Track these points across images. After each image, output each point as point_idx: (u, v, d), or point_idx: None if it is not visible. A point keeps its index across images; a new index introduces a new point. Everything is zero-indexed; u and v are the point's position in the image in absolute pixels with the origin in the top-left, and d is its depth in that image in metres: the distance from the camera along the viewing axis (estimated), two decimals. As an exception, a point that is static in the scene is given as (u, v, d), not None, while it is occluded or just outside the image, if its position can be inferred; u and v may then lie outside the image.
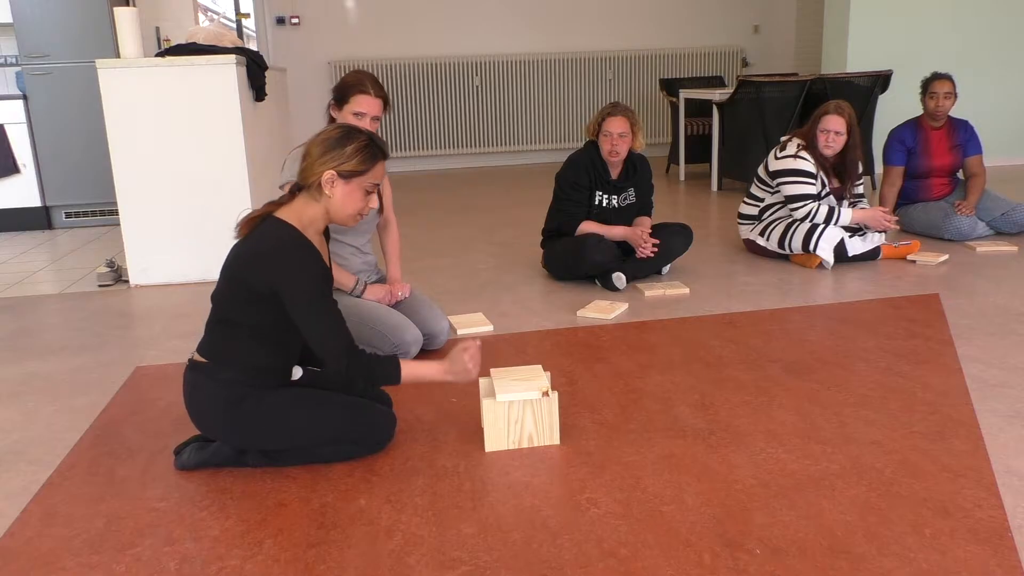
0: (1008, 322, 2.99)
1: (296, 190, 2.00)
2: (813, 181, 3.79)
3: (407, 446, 2.15)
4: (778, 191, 3.89)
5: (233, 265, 1.95)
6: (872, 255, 3.88)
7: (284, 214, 1.96)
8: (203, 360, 2.00)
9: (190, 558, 1.69)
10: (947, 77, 4.25)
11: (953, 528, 1.70)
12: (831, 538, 1.68)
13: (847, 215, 3.81)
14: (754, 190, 4.06)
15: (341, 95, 2.67)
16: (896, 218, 3.97)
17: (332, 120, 2.71)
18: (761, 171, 3.99)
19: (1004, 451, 2.03)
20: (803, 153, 3.81)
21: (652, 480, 1.94)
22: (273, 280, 1.88)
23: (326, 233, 2.12)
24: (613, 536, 1.72)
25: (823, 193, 3.84)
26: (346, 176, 1.94)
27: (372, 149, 1.97)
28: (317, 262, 1.94)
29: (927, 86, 4.29)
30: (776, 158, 3.88)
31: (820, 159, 3.82)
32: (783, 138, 3.98)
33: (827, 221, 3.78)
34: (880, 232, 3.90)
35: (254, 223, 1.97)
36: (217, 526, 1.81)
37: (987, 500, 1.80)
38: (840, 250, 3.81)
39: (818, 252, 3.76)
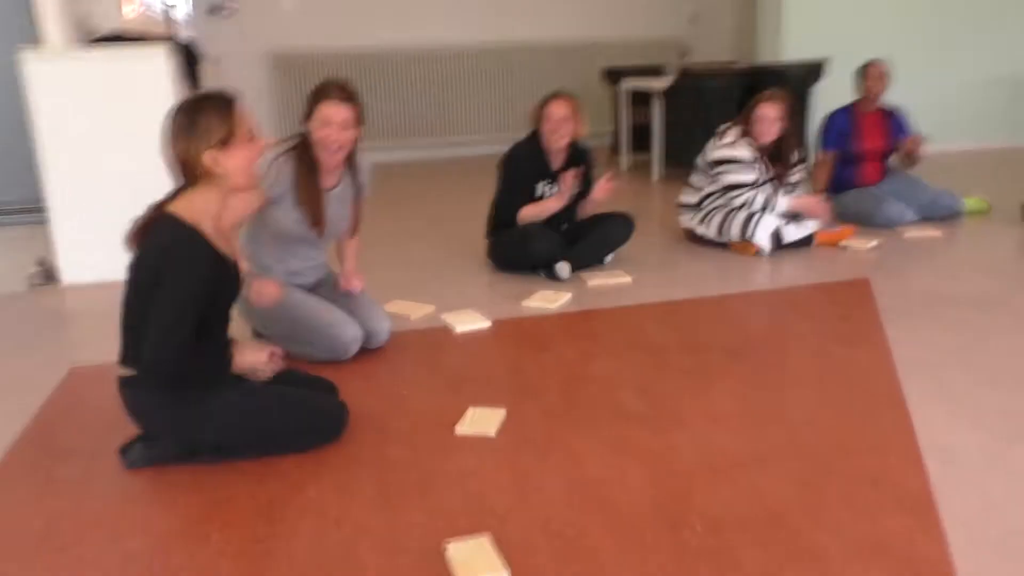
0: (933, 304, 3.12)
1: (180, 188, 1.92)
2: (751, 169, 3.89)
3: (355, 437, 2.15)
4: (717, 180, 3.98)
5: (137, 269, 1.90)
6: (806, 241, 4.00)
7: (176, 209, 1.89)
8: (133, 373, 1.95)
9: (135, 555, 1.67)
10: (880, 60, 4.46)
11: (882, 500, 1.79)
12: (768, 513, 1.75)
13: (783, 203, 3.92)
14: (693, 179, 4.14)
15: (308, 108, 2.58)
16: (828, 207, 4.09)
17: (305, 138, 2.62)
18: (700, 160, 4.08)
19: (929, 426, 2.13)
20: (741, 141, 3.91)
21: (596, 464, 1.99)
22: (163, 271, 1.83)
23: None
24: (559, 518, 1.76)
25: (760, 181, 3.94)
26: (224, 144, 1.86)
27: (222, 103, 1.88)
28: (210, 260, 1.87)
29: (863, 70, 4.47)
30: (715, 147, 3.96)
31: (757, 147, 3.92)
32: (721, 127, 4.07)
33: (764, 208, 3.89)
34: (815, 219, 4.02)
35: (148, 226, 1.89)
36: (162, 522, 1.79)
37: (913, 473, 1.90)
38: (776, 237, 3.92)
39: (755, 240, 3.87)
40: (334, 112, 2.54)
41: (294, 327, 2.64)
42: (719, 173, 3.93)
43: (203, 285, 1.88)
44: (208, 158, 1.85)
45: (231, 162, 1.88)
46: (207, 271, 1.88)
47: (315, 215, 2.65)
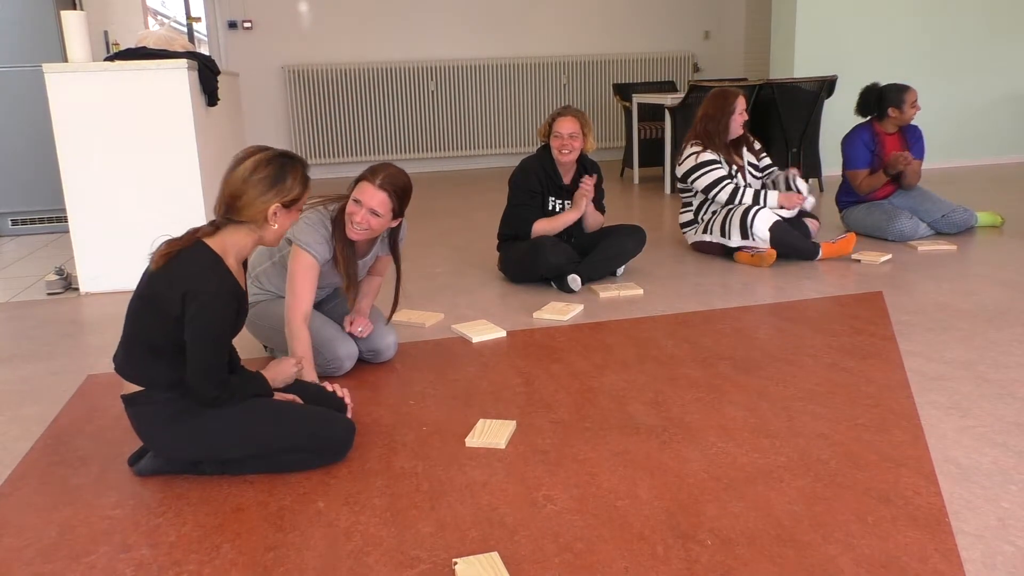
0: (947, 318, 3.10)
1: (220, 223, 1.96)
2: (719, 166, 3.98)
3: (364, 448, 2.16)
4: (695, 190, 4.05)
5: (154, 284, 1.92)
6: (812, 254, 3.98)
7: (209, 241, 1.94)
8: (135, 390, 1.97)
9: (146, 564, 1.68)
10: (912, 87, 4.42)
11: (894, 515, 1.77)
12: (779, 527, 1.74)
13: (773, 197, 3.95)
14: (684, 197, 4.22)
15: (355, 180, 2.56)
16: (805, 198, 4.06)
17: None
18: (678, 181, 4.16)
19: (942, 441, 2.12)
20: (698, 148, 4.00)
21: (607, 476, 1.98)
22: (186, 302, 1.87)
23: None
24: (569, 531, 1.75)
25: (734, 171, 4.02)
26: (289, 205, 1.97)
27: (304, 171, 2.00)
28: (233, 294, 1.93)
29: (901, 96, 4.36)
30: (679, 163, 4.07)
31: (721, 146, 4.00)
32: (682, 145, 4.14)
33: (755, 203, 3.93)
34: (792, 209, 3.98)
35: (175, 249, 1.92)
36: (174, 532, 1.80)
37: (926, 488, 1.88)
38: (780, 235, 3.90)
39: (754, 231, 3.88)
40: (368, 195, 2.49)
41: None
42: (694, 182, 4.02)
43: (230, 320, 1.94)
44: (272, 211, 1.94)
45: (283, 221, 1.98)
46: (233, 305, 1.94)
47: (348, 283, 2.61)
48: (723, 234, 4.03)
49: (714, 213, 4.09)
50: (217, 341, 1.91)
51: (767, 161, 4.22)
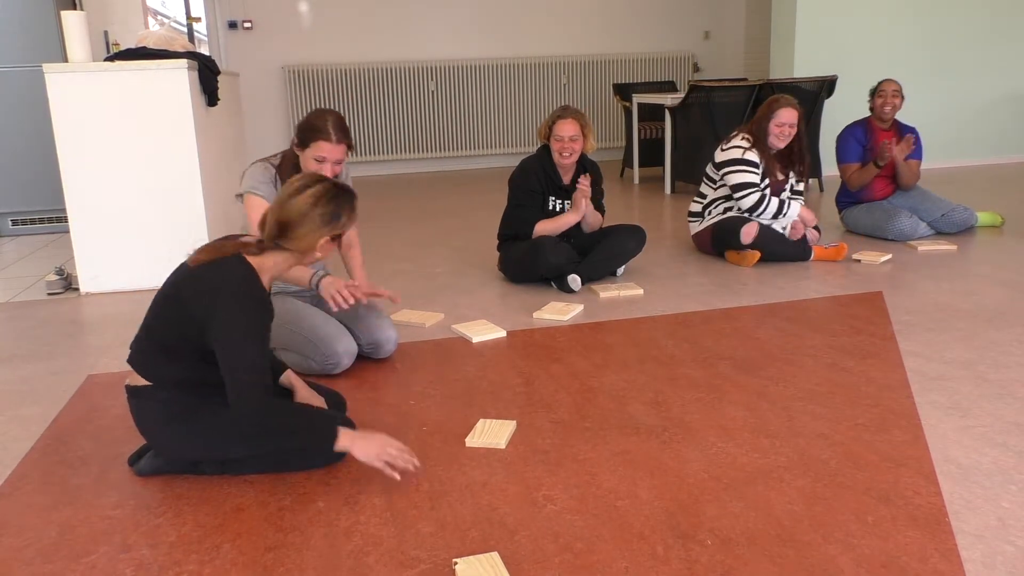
0: (947, 318, 3.10)
1: (268, 247, 1.95)
2: (756, 171, 3.92)
3: (365, 448, 2.16)
4: (723, 185, 4.01)
5: (182, 286, 1.91)
6: (804, 256, 3.99)
7: (251, 258, 1.94)
8: (140, 384, 1.97)
9: (146, 564, 1.68)
10: (894, 80, 4.44)
11: (894, 515, 1.77)
12: (779, 527, 1.74)
13: (796, 208, 3.92)
14: (702, 188, 4.18)
15: (303, 138, 2.62)
16: (816, 234, 4.09)
17: (292, 157, 2.68)
18: (708, 168, 4.11)
19: (943, 441, 2.12)
20: (746, 144, 3.95)
21: (607, 476, 1.98)
22: (216, 307, 1.85)
23: None
24: (569, 531, 1.75)
25: (763, 186, 3.95)
26: (336, 238, 2.00)
27: (355, 204, 2.01)
28: (263, 305, 1.93)
29: (876, 88, 4.45)
30: (722, 150, 4.00)
31: (765, 152, 3.93)
32: (732, 133, 4.09)
33: (776, 215, 3.91)
34: (786, 227, 3.98)
35: (218, 253, 1.92)
36: (174, 532, 1.80)
37: (926, 488, 1.88)
38: (768, 241, 3.91)
39: (741, 237, 3.88)
40: (330, 151, 2.59)
41: (291, 337, 2.64)
42: (726, 174, 3.95)
43: (264, 327, 1.93)
44: (322, 243, 1.96)
45: (326, 249, 1.99)
46: (263, 313, 1.93)
47: None
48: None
49: (718, 215, 4.08)
50: (251, 348, 1.85)
51: (800, 187, 4.13)
